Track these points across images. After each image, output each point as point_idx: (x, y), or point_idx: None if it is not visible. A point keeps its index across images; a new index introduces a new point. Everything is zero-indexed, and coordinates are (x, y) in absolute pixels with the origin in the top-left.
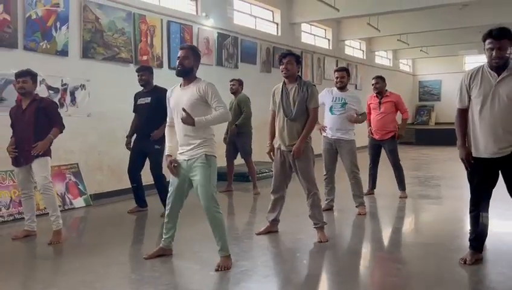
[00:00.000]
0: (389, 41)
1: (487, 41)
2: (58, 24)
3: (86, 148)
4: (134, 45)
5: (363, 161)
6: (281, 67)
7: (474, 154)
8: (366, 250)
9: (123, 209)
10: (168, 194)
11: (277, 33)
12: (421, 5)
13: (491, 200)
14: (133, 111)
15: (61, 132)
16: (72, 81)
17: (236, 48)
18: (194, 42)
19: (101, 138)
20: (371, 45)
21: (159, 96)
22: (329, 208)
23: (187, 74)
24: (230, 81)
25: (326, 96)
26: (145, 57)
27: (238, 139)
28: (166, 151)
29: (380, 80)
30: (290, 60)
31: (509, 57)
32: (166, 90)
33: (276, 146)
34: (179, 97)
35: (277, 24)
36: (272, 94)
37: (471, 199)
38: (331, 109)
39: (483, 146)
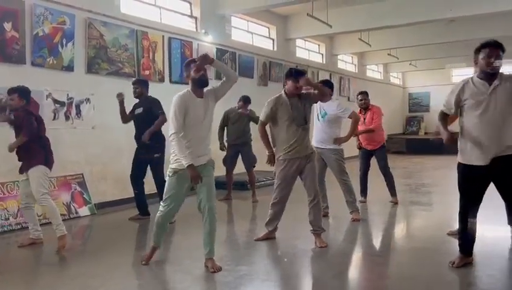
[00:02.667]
0: (379, 55)
1: (485, 50)
2: (64, 41)
3: (91, 159)
4: (137, 60)
5: (352, 169)
6: (292, 84)
7: (466, 162)
8: (360, 255)
9: (126, 218)
10: (168, 200)
11: (273, 48)
12: (409, 20)
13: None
14: (130, 119)
15: (28, 139)
16: (77, 95)
17: (234, 63)
18: (194, 57)
19: (105, 149)
20: (362, 58)
21: (147, 105)
22: (325, 215)
23: (207, 84)
24: (239, 102)
25: (315, 107)
26: (147, 72)
27: (244, 149)
28: (188, 162)
29: (366, 96)
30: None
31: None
32: (156, 99)
33: (282, 158)
34: (197, 107)
35: (273, 40)
36: (270, 106)
37: (461, 204)
38: (318, 118)
39: (477, 154)
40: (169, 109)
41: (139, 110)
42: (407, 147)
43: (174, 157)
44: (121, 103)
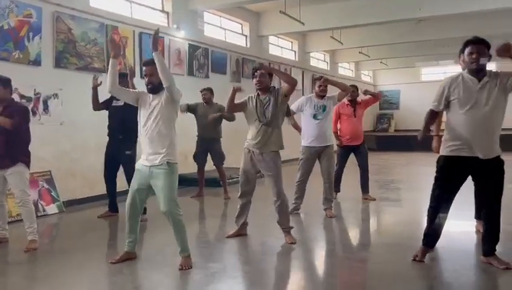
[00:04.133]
0: (351, 53)
1: (468, 47)
2: (31, 34)
3: (59, 155)
4: (107, 55)
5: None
6: (254, 80)
7: (448, 154)
8: (331, 250)
9: (95, 216)
10: (128, 200)
11: (246, 45)
12: (379, 19)
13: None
14: (103, 108)
15: (11, 128)
16: (44, 90)
17: (207, 59)
18: (165, 53)
19: (73, 145)
20: (334, 56)
21: None
22: (297, 210)
23: (158, 89)
24: (201, 91)
25: (307, 103)
26: (117, 67)
27: (213, 145)
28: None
29: (355, 88)
30: (263, 73)
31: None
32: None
33: (245, 151)
34: (149, 104)
35: (246, 36)
36: (244, 99)
37: (434, 196)
38: (315, 116)
39: (461, 147)
40: None
41: (119, 103)
42: (378, 144)
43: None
44: (95, 88)
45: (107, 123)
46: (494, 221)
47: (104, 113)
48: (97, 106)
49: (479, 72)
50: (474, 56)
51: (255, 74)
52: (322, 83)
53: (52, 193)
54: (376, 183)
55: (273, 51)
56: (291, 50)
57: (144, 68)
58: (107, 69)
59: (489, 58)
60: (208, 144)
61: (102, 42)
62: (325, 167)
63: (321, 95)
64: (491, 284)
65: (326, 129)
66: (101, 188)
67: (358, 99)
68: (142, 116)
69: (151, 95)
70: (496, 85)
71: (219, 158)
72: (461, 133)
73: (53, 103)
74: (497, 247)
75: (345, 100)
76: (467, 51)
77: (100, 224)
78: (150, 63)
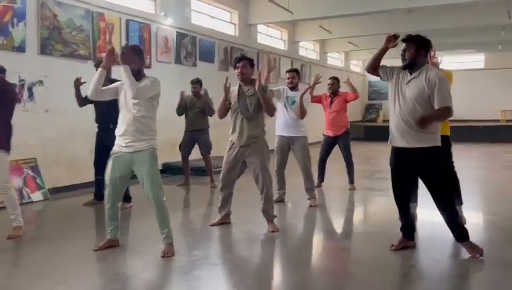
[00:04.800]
0: (340, 43)
1: (402, 44)
2: (15, 20)
3: (44, 143)
4: (93, 42)
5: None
6: (236, 71)
7: (390, 144)
8: (313, 239)
9: (81, 203)
10: (109, 188)
11: (234, 33)
12: (368, 9)
13: (423, 192)
14: (88, 103)
15: None
16: (29, 77)
17: (194, 47)
18: (152, 41)
19: (59, 133)
20: (323, 46)
21: None
22: (281, 200)
23: (137, 77)
24: (192, 84)
25: (281, 94)
26: (103, 54)
27: (200, 135)
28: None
29: (336, 81)
30: (245, 64)
31: (421, 61)
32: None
33: (228, 144)
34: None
35: (234, 25)
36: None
37: (393, 189)
38: (285, 107)
39: (396, 137)
40: None
41: None
42: (366, 134)
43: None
44: (77, 88)
45: (95, 114)
46: (445, 210)
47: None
48: (82, 102)
49: (406, 67)
50: (401, 53)
51: (237, 64)
52: (290, 75)
53: (37, 180)
54: (363, 173)
55: (262, 40)
56: (281, 39)
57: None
58: (93, 56)
59: (423, 54)
60: (195, 135)
61: (88, 29)
62: (299, 158)
63: (289, 87)
64: (463, 272)
65: (296, 120)
66: (87, 176)
67: (340, 91)
68: (122, 104)
69: None
70: (422, 83)
71: (206, 147)
72: (391, 123)
73: (38, 90)
74: (480, 236)
75: (327, 92)
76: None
77: (85, 212)
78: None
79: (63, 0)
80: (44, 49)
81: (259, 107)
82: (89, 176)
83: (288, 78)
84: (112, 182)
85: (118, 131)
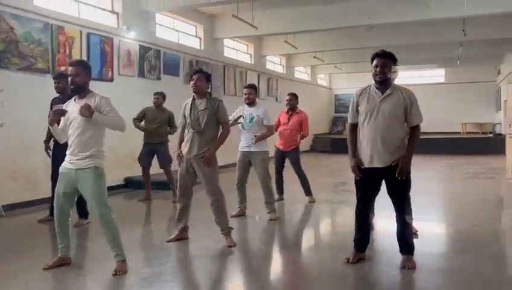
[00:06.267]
0: (306, 57)
1: (374, 60)
2: None
3: None
4: (52, 56)
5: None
6: (191, 83)
7: (361, 165)
8: (270, 253)
9: (36, 220)
10: (56, 205)
11: (200, 47)
12: (331, 26)
13: (380, 206)
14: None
15: None
16: None
17: (158, 61)
18: (115, 54)
19: (15, 147)
20: (290, 60)
21: None
22: (242, 214)
23: (81, 90)
24: (154, 94)
25: (240, 112)
26: (63, 68)
27: (160, 147)
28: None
29: (294, 97)
30: (200, 77)
31: (391, 78)
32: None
33: (182, 155)
34: (74, 110)
35: (200, 38)
36: (182, 108)
37: (357, 203)
38: (242, 125)
39: (367, 158)
40: None
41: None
42: (333, 146)
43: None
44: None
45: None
46: (403, 220)
47: (46, 113)
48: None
49: (381, 84)
50: (378, 69)
51: (193, 76)
52: (247, 91)
53: None
54: (325, 186)
55: (229, 53)
56: (247, 53)
57: (69, 68)
58: (52, 69)
59: (394, 71)
60: (154, 147)
61: (47, 42)
62: (258, 172)
63: (247, 103)
64: (409, 282)
65: (252, 136)
66: (45, 191)
67: (298, 108)
68: (68, 120)
69: (76, 99)
70: (400, 99)
71: (166, 160)
72: (364, 142)
73: None
74: (432, 247)
75: (285, 108)
76: (373, 63)
77: (41, 229)
78: (75, 63)
79: (20, 13)
80: (0, 62)
81: (211, 122)
82: (47, 191)
83: (245, 94)
84: (59, 199)
85: (68, 147)
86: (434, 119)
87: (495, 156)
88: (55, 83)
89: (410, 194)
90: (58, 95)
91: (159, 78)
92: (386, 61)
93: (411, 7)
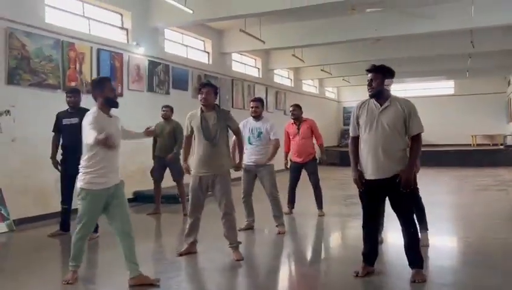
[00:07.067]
0: (313, 71)
1: (367, 74)
2: None
3: (10, 172)
4: (63, 71)
5: (281, 183)
6: (199, 96)
7: (362, 177)
8: (278, 266)
9: (46, 234)
10: (84, 223)
11: (208, 62)
12: (337, 39)
13: (389, 219)
14: (54, 130)
15: None
16: None
17: (167, 75)
18: (124, 69)
19: (26, 162)
20: (298, 74)
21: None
22: (250, 228)
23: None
24: (163, 107)
25: (245, 127)
26: (73, 83)
27: (173, 162)
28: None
29: (297, 107)
30: (209, 90)
31: (386, 90)
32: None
33: (193, 172)
34: (109, 125)
35: (208, 53)
36: (187, 119)
37: (363, 216)
38: (249, 139)
39: (368, 169)
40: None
41: (74, 120)
42: (341, 159)
43: (85, 176)
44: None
45: (55, 140)
46: (409, 233)
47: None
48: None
49: (375, 96)
50: (368, 83)
51: (202, 90)
52: (254, 104)
53: (1, 211)
54: (335, 199)
55: (237, 67)
56: (255, 67)
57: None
58: (62, 85)
59: (387, 82)
60: (165, 161)
61: (58, 58)
62: (266, 186)
63: (253, 116)
64: None
65: (262, 151)
66: (55, 206)
67: (304, 117)
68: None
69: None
70: (398, 110)
71: (177, 173)
72: (365, 154)
73: (4, 120)
74: (441, 260)
75: (290, 120)
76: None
77: (50, 243)
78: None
79: (32, 30)
80: (12, 78)
81: (224, 134)
82: (57, 206)
83: (252, 108)
84: (88, 219)
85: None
86: (444, 131)
87: (506, 168)
88: (68, 96)
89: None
90: (67, 108)
91: (167, 93)
92: (374, 75)
93: (418, 20)
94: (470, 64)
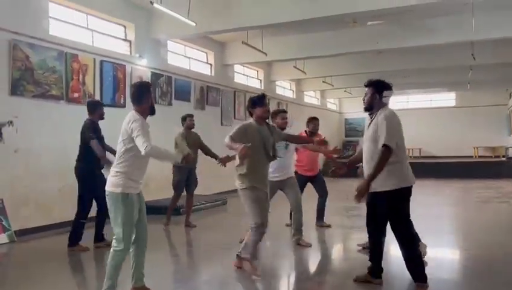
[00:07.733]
0: (315, 82)
1: None
2: None
3: (12, 183)
4: (66, 83)
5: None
6: (262, 108)
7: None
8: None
9: (47, 246)
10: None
11: (211, 73)
12: (338, 51)
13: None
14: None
15: None
16: None
17: (170, 87)
18: (127, 81)
19: (28, 173)
20: (299, 85)
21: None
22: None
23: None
24: (189, 116)
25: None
26: (76, 94)
27: (192, 173)
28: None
29: (318, 122)
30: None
31: (378, 103)
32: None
33: (249, 185)
34: None
35: (211, 65)
36: (243, 131)
37: (410, 229)
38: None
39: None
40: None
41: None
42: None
43: (121, 181)
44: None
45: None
46: (405, 247)
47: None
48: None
49: (367, 110)
50: (363, 97)
51: (264, 101)
52: (284, 116)
53: (3, 222)
54: (336, 211)
55: (239, 79)
56: (257, 79)
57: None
58: (65, 96)
59: (378, 97)
60: (189, 172)
61: (61, 70)
62: (293, 198)
63: (283, 127)
64: None
65: (289, 162)
66: (57, 216)
67: (319, 132)
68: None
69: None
70: (376, 123)
71: (195, 185)
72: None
73: (7, 131)
74: (444, 273)
75: (302, 130)
76: None
77: (51, 255)
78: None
79: (36, 42)
80: (15, 90)
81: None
82: (59, 216)
83: (282, 119)
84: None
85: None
86: (445, 143)
87: (508, 180)
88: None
89: (421, 218)
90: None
91: (170, 104)
92: (367, 89)
93: (419, 32)
94: (471, 77)
